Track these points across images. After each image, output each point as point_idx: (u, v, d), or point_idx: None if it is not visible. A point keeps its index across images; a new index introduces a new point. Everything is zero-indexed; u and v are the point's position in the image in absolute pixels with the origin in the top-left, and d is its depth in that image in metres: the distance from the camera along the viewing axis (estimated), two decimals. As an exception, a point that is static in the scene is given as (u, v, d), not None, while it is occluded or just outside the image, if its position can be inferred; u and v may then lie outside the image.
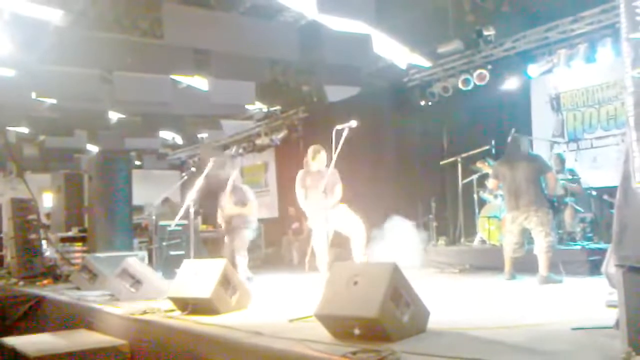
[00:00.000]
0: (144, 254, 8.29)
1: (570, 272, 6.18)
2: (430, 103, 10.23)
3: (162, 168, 17.05)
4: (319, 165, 6.32)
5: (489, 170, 7.54)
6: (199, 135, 14.73)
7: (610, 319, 2.95)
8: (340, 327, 3.28)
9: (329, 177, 5.57)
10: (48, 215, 11.12)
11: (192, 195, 6.33)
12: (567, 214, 7.33)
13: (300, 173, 6.49)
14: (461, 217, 8.87)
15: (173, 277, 5.22)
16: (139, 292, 5.62)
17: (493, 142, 8.57)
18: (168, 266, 7.55)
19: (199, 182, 6.33)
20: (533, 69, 8.79)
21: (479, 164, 8.48)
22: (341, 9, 6.28)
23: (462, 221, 8.85)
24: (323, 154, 6.28)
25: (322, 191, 5.28)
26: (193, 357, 3.76)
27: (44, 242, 8.99)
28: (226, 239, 7.47)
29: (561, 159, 7.96)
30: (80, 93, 8.21)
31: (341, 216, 6.20)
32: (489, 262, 7.34)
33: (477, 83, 9.31)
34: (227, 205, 7.39)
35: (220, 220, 7.51)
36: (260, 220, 8.09)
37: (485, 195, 8.50)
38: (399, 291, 3.23)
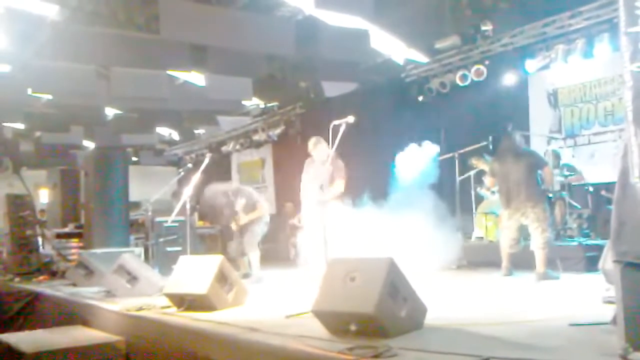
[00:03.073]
0: (141, 250, 8.27)
1: (567, 269, 6.18)
2: (427, 99, 10.20)
3: (159, 164, 17.00)
4: (320, 156, 6.03)
5: (485, 167, 7.51)
6: (196, 131, 14.70)
7: (608, 315, 2.95)
8: (337, 323, 3.27)
9: (328, 170, 5.32)
10: (42, 212, 11.09)
11: (188, 191, 6.31)
12: (558, 210, 7.31)
13: (306, 162, 6.28)
14: (458, 213, 8.85)
15: (169, 274, 5.20)
16: (135, 288, 5.61)
17: (490, 138, 8.53)
18: (164, 262, 7.51)
19: (196, 178, 6.30)
20: (531, 65, 8.75)
21: (474, 162, 8.42)
22: (338, 4, 6.25)
23: (460, 217, 8.82)
24: (323, 145, 5.97)
25: (319, 186, 5.13)
26: (189, 353, 3.75)
27: (39, 238, 8.97)
28: (235, 234, 7.39)
29: (556, 155, 7.94)
30: (76, 89, 8.15)
31: (331, 220, 5.66)
32: (486, 258, 7.33)
33: (475, 79, 9.26)
34: (240, 215, 7.31)
35: (234, 227, 7.45)
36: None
37: (482, 191, 8.48)
38: (396, 287, 3.22)
